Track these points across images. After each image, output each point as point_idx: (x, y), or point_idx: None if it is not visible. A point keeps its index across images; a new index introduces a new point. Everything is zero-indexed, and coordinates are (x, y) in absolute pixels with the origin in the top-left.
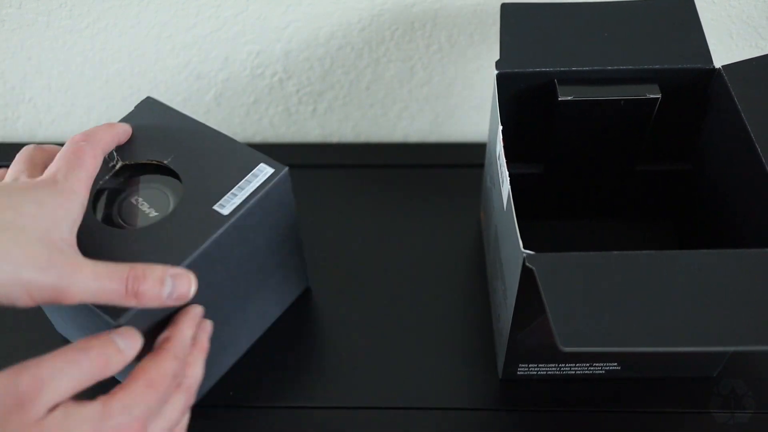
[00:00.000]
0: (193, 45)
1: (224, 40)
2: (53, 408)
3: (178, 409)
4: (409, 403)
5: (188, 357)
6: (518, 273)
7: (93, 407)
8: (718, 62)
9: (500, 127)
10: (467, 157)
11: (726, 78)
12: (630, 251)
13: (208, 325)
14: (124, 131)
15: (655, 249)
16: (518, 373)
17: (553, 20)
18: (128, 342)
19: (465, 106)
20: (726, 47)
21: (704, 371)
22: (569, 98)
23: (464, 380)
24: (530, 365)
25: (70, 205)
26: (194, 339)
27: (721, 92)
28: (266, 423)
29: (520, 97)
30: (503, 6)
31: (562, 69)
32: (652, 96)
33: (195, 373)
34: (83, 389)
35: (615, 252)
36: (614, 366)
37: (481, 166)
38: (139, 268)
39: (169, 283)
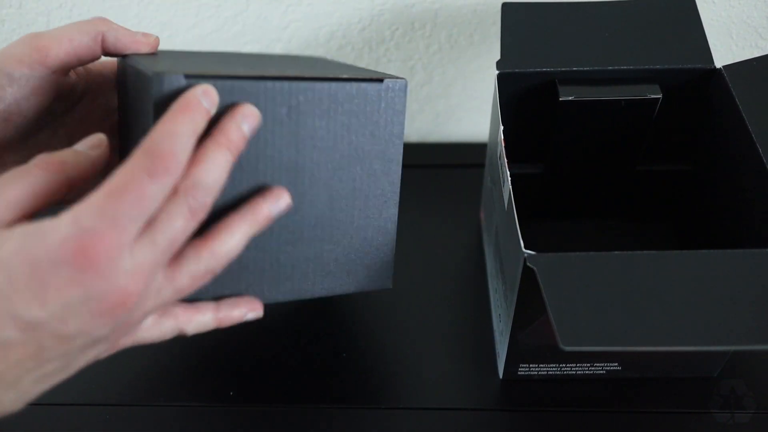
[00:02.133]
0: (194, 45)
1: (224, 40)
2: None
3: (174, 219)
4: (410, 403)
5: (197, 151)
6: (519, 273)
7: (56, 222)
8: (718, 62)
9: (501, 127)
10: (467, 157)
11: (726, 78)
12: (630, 251)
13: (246, 118)
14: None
15: (655, 249)
16: (519, 373)
17: (553, 20)
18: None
19: (465, 106)
20: (726, 47)
21: (704, 371)
22: (570, 98)
23: (465, 380)
24: (531, 365)
25: None
26: (218, 127)
27: (722, 92)
28: (266, 423)
29: (521, 97)
30: (504, 6)
31: (562, 69)
32: (652, 96)
33: (203, 176)
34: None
35: (615, 252)
36: (615, 366)
37: (481, 166)
38: None
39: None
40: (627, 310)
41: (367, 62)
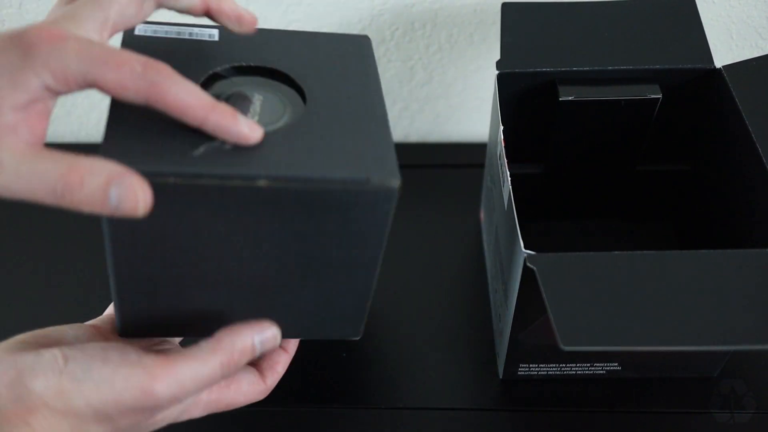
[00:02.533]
0: None
1: None
2: None
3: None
4: (410, 403)
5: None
6: (519, 273)
7: None
8: (718, 62)
9: (501, 127)
10: (467, 157)
11: (726, 78)
12: (630, 251)
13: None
14: None
15: (655, 249)
16: (519, 373)
17: (553, 20)
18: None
19: (465, 106)
20: (726, 47)
21: (704, 371)
22: (570, 98)
23: (465, 380)
24: (531, 365)
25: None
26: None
27: (722, 92)
28: (266, 423)
29: (521, 97)
30: (504, 6)
31: (562, 69)
32: (652, 96)
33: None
34: None
35: (615, 252)
36: (615, 366)
37: (481, 166)
38: (84, 164)
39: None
40: (627, 310)
41: None
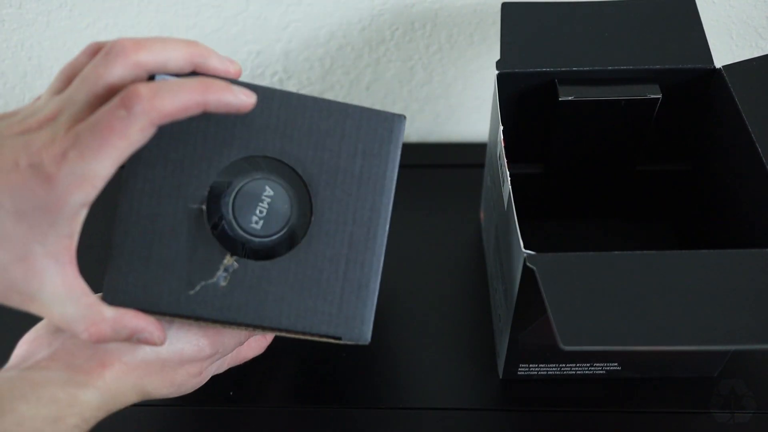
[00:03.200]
0: None
1: (224, 40)
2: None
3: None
4: (410, 402)
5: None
6: (519, 273)
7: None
8: (718, 62)
9: (501, 127)
10: (467, 157)
11: (726, 78)
12: (630, 251)
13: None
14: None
15: (655, 249)
16: (519, 373)
17: (553, 20)
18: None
19: (465, 106)
20: (726, 47)
21: (704, 371)
22: (570, 98)
23: (465, 380)
24: (531, 365)
25: (62, 208)
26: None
27: (722, 92)
28: (266, 423)
29: (521, 97)
30: (504, 5)
31: (562, 69)
32: (652, 96)
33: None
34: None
35: (615, 252)
36: (615, 366)
37: (481, 166)
38: None
39: None
40: (627, 310)
41: (367, 62)
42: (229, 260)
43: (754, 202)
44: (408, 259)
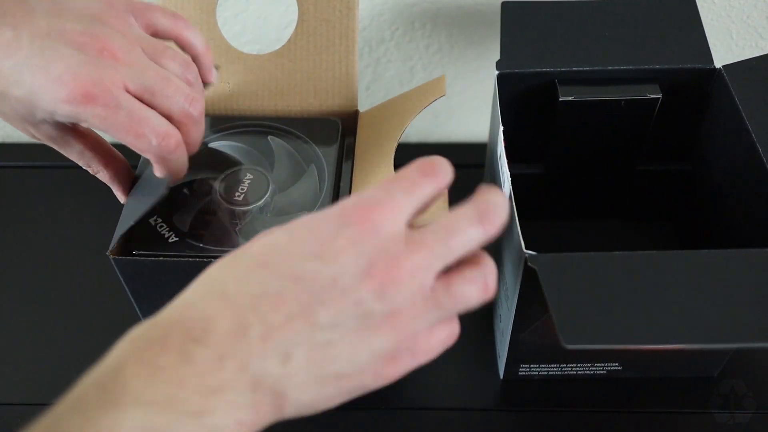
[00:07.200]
0: None
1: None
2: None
3: (465, 227)
4: (410, 403)
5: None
6: (520, 273)
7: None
8: (718, 62)
9: (501, 127)
10: (467, 157)
11: (726, 78)
12: (630, 251)
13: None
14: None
15: (655, 249)
16: (520, 373)
17: (553, 19)
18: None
19: (465, 106)
20: (726, 47)
21: (704, 371)
22: (570, 98)
23: (466, 380)
24: (532, 365)
25: None
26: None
27: (722, 92)
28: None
29: (521, 97)
30: (504, 5)
31: (562, 69)
32: (652, 96)
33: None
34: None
35: (616, 252)
36: (615, 366)
37: (481, 166)
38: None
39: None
40: (628, 309)
41: (367, 62)
42: None
43: (754, 202)
44: None
